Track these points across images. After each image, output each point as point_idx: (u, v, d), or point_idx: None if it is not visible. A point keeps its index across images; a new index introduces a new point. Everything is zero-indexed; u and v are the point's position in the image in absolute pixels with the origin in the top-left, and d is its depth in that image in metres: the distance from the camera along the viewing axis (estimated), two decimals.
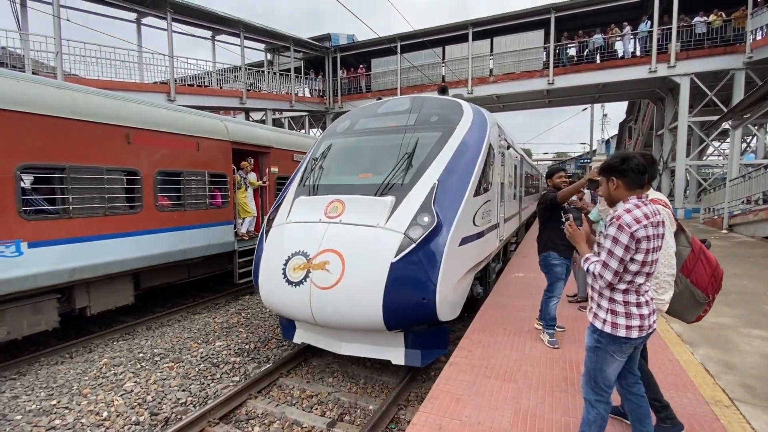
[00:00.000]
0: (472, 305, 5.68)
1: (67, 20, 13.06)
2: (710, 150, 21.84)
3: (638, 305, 2.17)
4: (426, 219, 4.05)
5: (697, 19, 15.18)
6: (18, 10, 13.16)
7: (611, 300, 2.20)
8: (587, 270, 2.26)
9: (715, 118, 14.49)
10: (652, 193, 2.69)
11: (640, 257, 2.10)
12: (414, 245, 3.90)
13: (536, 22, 17.78)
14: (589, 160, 37.45)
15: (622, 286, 2.16)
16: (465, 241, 4.37)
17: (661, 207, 2.45)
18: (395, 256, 3.87)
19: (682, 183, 16.75)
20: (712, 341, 4.31)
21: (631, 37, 16.52)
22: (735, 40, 14.71)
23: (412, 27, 16.04)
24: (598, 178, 2.43)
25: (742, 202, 13.32)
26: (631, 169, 2.19)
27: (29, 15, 13.53)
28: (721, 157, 21.29)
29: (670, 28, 15.27)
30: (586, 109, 39.06)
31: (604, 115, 46.10)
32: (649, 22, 15.89)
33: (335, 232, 4.18)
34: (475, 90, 18.87)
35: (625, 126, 29.45)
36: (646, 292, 2.22)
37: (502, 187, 6.65)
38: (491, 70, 19.13)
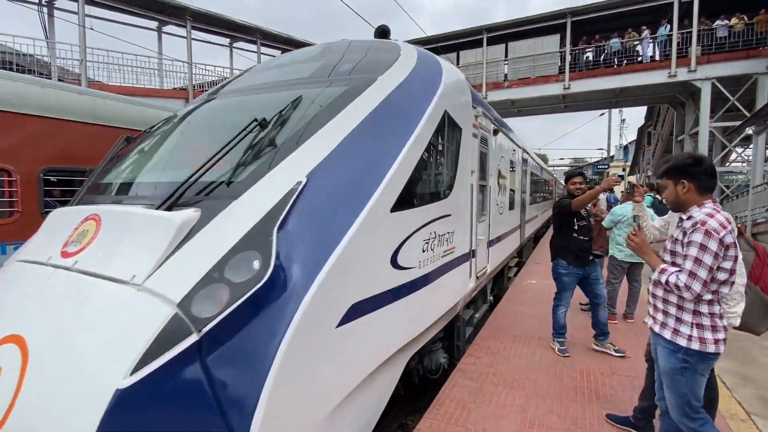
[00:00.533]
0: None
1: (91, 29, 13.57)
2: (733, 156, 21.23)
3: (722, 317, 2.05)
4: (246, 268, 1.82)
5: (718, 22, 14.82)
6: (45, 20, 13.73)
7: (696, 313, 2.04)
8: (666, 282, 2.05)
9: (738, 123, 14.09)
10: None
11: (728, 265, 1.96)
12: (195, 340, 1.64)
13: (552, 26, 17.63)
14: (606, 166, 36.81)
15: (708, 297, 2.00)
16: (361, 310, 2.18)
17: None
18: (131, 373, 1.57)
19: None
20: (729, 353, 4.18)
21: (650, 41, 16.22)
22: (758, 43, 14.30)
23: (425, 33, 16.12)
24: (660, 181, 2.27)
25: (767, 209, 12.88)
26: (704, 171, 2.06)
27: (56, 24, 14.10)
28: (744, 164, 20.66)
29: (691, 32, 14.95)
30: (603, 114, 38.44)
31: (623, 120, 45.22)
32: (668, 26, 15.58)
33: (47, 293, 2.03)
34: (490, 95, 18.77)
35: (645, 131, 28.81)
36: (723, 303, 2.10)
37: (483, 193, 4.85)
38: (506, 75, 19.01)
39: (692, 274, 1.95)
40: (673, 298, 2.09)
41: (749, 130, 14.36)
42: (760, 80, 14.14)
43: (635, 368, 3.81)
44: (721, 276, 1.97)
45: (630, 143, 38.68)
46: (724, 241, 1.93)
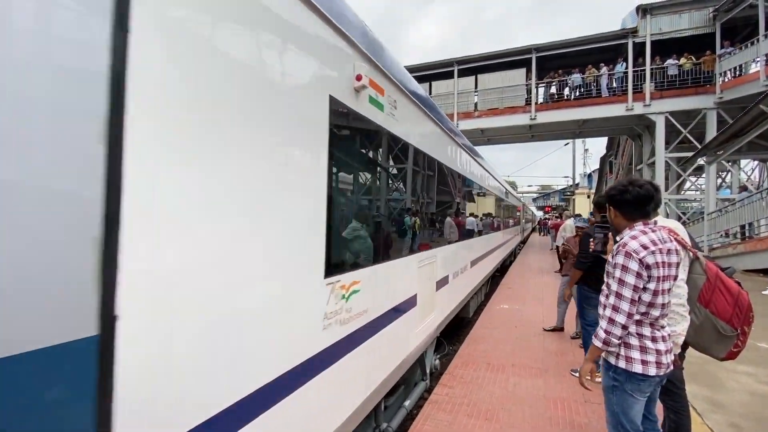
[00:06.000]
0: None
1: None
2: (687, 184, 22.52)
3: (653, 339, 2.02)
4: None
5: (669, 61, 16.01)
6: None
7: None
8: (606, 333, 2.04)
9: (691, 154, 15.01)
10: (661, 221, 2.54)
11: (652, 285, 1.96)
12: None
13: (519, 61, 18.54)
14: (572, 193, 38.26)
15: (636, 317, 2.02)
16: None
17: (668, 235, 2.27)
18: None
19: (662, 216, 17.08)
20: (697, 378, 4.20)
21: (607, 77, 17.28)
22: (705, 81, 15.48)
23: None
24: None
25: (721, 235, 13.59)
26: (626, 202, 2.12)
27: None
28: (698, 192, 21.91)
29: (644, 70, 16.04)
30: (568, 144, 40.31)
31: (586, 150, 47.69)
32: (624, 64, 16.70)
33: None
34: (461, 124, 19.31)
35: (606, 160, 30.28)
36: (663, 327, 2.06)
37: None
38: (476, 105, 19.68)
39: (618, 295, 1.98)
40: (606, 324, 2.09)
41: (701, 161, 15.30)
42: (709, 114, 15.23)
43: None
44: (646, 297, 1.97)
45: (593, 171, 40.59)
46: (645, 261, 1.94)
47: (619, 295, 1.98)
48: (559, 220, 15.29)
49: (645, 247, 1.97)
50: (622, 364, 2.03)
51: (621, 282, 1.97)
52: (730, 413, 3.44)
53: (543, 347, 5.17)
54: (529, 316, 6.72)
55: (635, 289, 1.95)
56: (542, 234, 32.47)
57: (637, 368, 2.00)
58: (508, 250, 12.49)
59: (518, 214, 17.13)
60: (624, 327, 1.98)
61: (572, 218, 11.96)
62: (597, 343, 2.05)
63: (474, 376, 4.25)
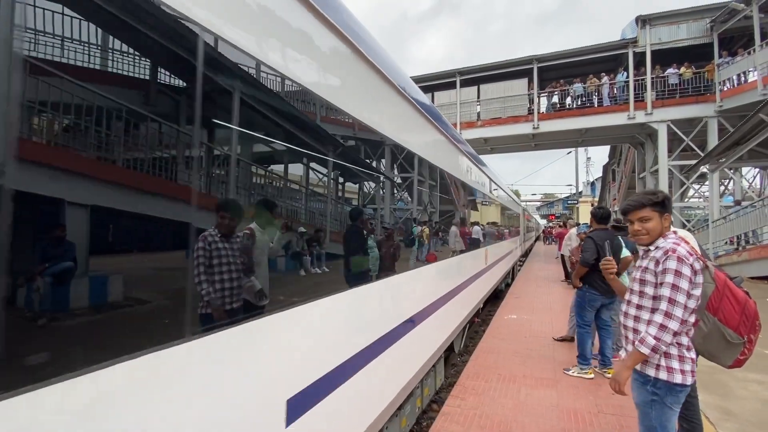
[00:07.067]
0: None
1: None
2: (691, 192, 22.58)
3: (688, 348, 2.05)
4: None
5: (669, 71, 16.18)
6: None
7: None
8: (655, 339, 1.99)
9: (693, 162, 15.09)
10: (680, 232, 2.59)
11: (696, 292, 1.99)
12: None
13: (521, 71, 18.76)
14: (576, 201, 38.25)
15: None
16: None
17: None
18: None
19: None
20: (708, 386, 4.23)
21: (609, 86, 17.45)
22: (705, 90, 15.63)
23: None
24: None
25: (726, 242, 13.60)
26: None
27: None
28: (701, 199, 21.94)
29: (645, 79, 16.21)
30: (570, 152, 40.39)
31: (588, 159, 47.74)
32: (625, 73, 16.88)
33: None
34: (464, 133, 19.48)
35: (609, 168, 30.40)
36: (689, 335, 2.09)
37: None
38: (479, 114, 19.88)
39: (671, 301, 1.96)
40: (642, 327, 2.08)
41: (704, 169, 15.37)
42: (710, 123, 15.33)
43: (621, 406, 3.78)
44: (691, 303, 2.01)
45: (596, 180, 40.62)
46: (694, 266, 1.99)
47: (672, 301, 1.96)
48: (563, 228, 15.29)
49: (690, 254, 2.00)
50: (663, 375, 2.01)
51: (675, 287, 1.96)
52: (741, 421, 3.46)
53: (553, 357, 5.20)
54: (538, 326, 6.75)
55: (688, 295, 1.96)
56: (547, 243, 32.44)
57: (678, 378, 1.99)
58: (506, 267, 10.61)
59: (520, 225, 16.40)
60: (676, 334, 1.97)
61: (576, 226, 12.01)
62: (644, 349, 1.99)
63: (485, 388, 4.28)
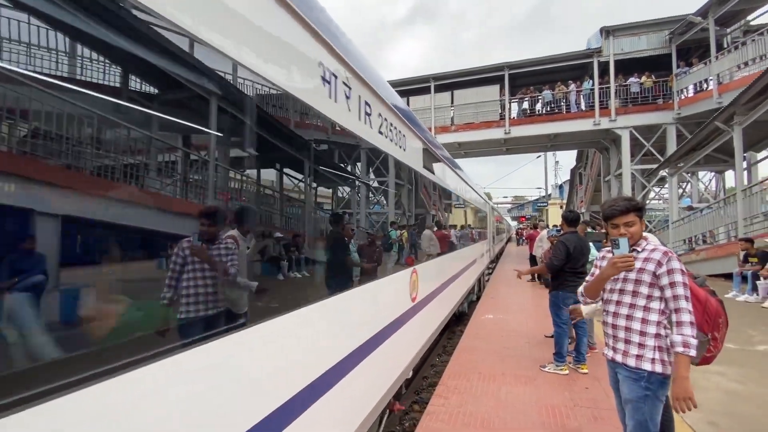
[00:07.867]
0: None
1: None
2: (652, 194, 23.79)
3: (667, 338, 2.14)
4: None
5: (631, 79, 17.04)
6: None
7: (657, 336, 2.10)
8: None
9: (654, 166, 15.92)
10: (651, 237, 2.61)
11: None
12: None
13: (493, 77, 19.27)
14: (545, 203, 39.43)
15: (664, 320, 2.12)
16: None
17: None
18: None
19: None
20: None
21: (575, 93, 18.19)
22: (665, 98, 16.56)
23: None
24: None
25: (684, 242, 14.40)
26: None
27: None
28: (662, 201, 23.15)
29: (609, 87, 17.01)
30: (540, 156, 41.64)
31: (556, 162, 49.45)
32: (591, 81, 17.66)
33: None
34: (438, 137, 19.78)
35: (576, 172, 31.56)
36: None
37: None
38: (452, 119, 20.24)
39: (688, 299, 2.08)
40: (636, 326, 2.15)
41: (664, 173, 16.24)
42: (669, 129, 16.24)
43: (594, 399, 3.96)
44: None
45: (564, 183, 42.09)
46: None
47: (687, 298, 2.06)
48: (534, 230, 15.74)
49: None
50: (658, 368, 2.07)
51: (685, 285, 2.08)
52: (706, 412, 3.68)
53: (530, 355, 5.35)
54: (514, 325, 6.93)
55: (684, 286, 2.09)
56: (519, 244, 33.29)
57: (669, 370, 2.08)
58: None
59: (489, 228, 15.12)
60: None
61: (546, 229, 12.43)
62: (692, 351, 2.00)
63: (467, 386, 4.36)
